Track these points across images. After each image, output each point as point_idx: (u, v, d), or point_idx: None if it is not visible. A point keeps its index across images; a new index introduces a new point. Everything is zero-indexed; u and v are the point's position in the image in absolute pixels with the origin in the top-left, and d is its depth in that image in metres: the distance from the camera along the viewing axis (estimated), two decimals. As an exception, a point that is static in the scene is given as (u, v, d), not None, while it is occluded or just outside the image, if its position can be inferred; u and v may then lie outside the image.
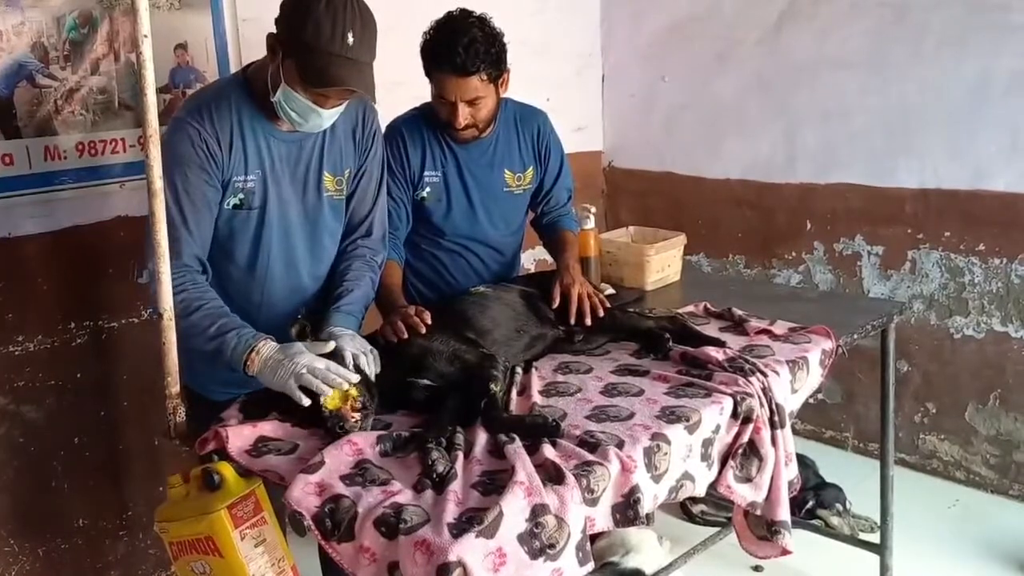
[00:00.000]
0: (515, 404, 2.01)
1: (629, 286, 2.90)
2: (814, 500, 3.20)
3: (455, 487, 1.65)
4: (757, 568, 3.03)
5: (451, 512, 1.57)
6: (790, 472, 2.12)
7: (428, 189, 2.47)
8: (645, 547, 2.75)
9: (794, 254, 3.86)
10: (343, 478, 1.71)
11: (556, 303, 2.32)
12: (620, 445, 1.80)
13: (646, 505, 1.76)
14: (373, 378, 1.97)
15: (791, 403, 2.18)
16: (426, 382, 2.01)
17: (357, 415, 1.85)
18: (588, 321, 2.30)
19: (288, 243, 2.17)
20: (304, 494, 1.66)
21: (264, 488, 1.85)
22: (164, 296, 1.89)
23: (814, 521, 3.18)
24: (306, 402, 1.84)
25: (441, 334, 2.07)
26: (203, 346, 1.95)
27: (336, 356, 1.95)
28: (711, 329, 2.45)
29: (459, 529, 1.52)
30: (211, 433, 1.89)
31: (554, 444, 1.80)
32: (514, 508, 1.57)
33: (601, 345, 2.38)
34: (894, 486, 2.79)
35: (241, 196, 2.08)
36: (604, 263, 2.92)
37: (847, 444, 3.88)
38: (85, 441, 2.83)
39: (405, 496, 1.64)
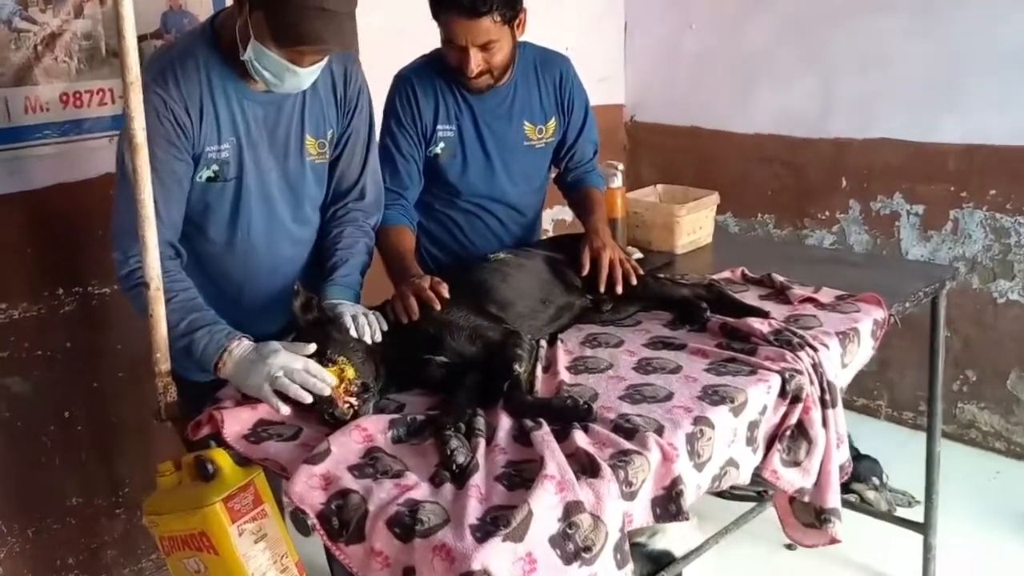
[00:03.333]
0: (540, 382, 1.82)
1: (657, 249, 2.69)
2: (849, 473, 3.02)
3: (477, 480, 1.47)
4: (791, 546, 2.87)
5: (474, 511, 1.39)
6: (841, 455, 1.93)
7: (442, 144, 2.26)
8: (674, 526, 2.57)
9: (827, 214, 3.64)
10: (351, 469, 1.52)
11: (585, 270, 2.11)
12: (660, 431, 1.61)
13: (689, 497, 1.58)
14: (372, 339, 1.79)
15: (841, 379, 1.99)
16: (443, 359, 1.81)
17: (353, 399, 1.67)
18: (619, 290, 2.10)
19: (269, 215, 1.96)
20: (308, 488, 1.47)
21: (264, 476, 1.67)
22: (151, 265, 1.70)
23: (849, 496, 3.00)
24: (284, 410, 1.66)
25: (459, 308, 1.87)
26: (173, 342, 1.75)
27: (336, 322, 1.79)
28: (750, 297, 2.25)
29: (483, 532, 1.34)
30: (205, 416, 1.70)
31: (586, 429, 1.61)
32: (544, 506, 1.39)
33: (631, 315, 2.18)
34: (940, 463, 2.60)
35: (215, 168, 1.87)
36: (630, 225, 2.71)
37: (880, 413, 3.69)
38: (77, 415, 2.66)
39: (421, 491, 1.45)
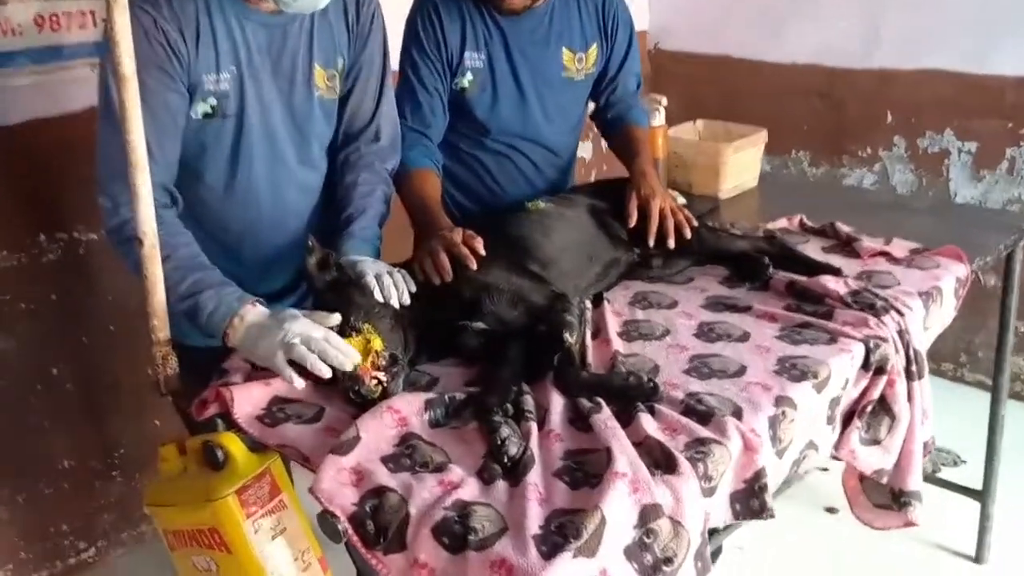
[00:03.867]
0: (591, 352, 1.60)
1: (699, 194, 2.46)
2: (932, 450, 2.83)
3: (534, 477, 1.26)
4: (831, 510, 2.70)
5: (535, 516, 1.18)
6: (926, 432, 1.73)
7: (469, 76, 2.00)
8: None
9: (869, 151, 3.39)
10: (386, 460, 1.31)
11: (633, 221, 1.88)
12: (738, 414, 1.40)
13: (772, 490, 1.38)
14: (399, 303, 1.57)
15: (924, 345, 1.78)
16: (481, 326, 1.59)
17: (381, 375, 1.44)
18: (671, 243, 1.87)
19: (273, 156, 1.71)
20: (337, 485, 1.26)
21: (282, 462, 1.47)
22: (143, 218, 1.46)
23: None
24: (299, 384, 1.44)
25: (497, 267, 1.64)
26: (173, 306, 1.53)
27: (358, 283, 1.58)
28: (811, 249, 2.03)
29: (550, 545, 1.13)
30: (211, 393, 1.48)
31: (652, 411, 1.40)
32: (618, 511, 1.18)
33: (682, 270, 1.96)
34: (1004, 423, 2.41)
35: (213, 102, 1.61)
36: (669, 166, 2.47)
37: (918, 364, 3.50)
38: (65, 372, 2.45)
39: (470, 490, 1.24)
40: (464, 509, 1.20)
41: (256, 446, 1.43)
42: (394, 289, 1.59)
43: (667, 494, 1.23)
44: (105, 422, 2.56)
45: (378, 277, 1.59)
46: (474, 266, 1.61)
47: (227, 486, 1.39)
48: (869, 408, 1.64)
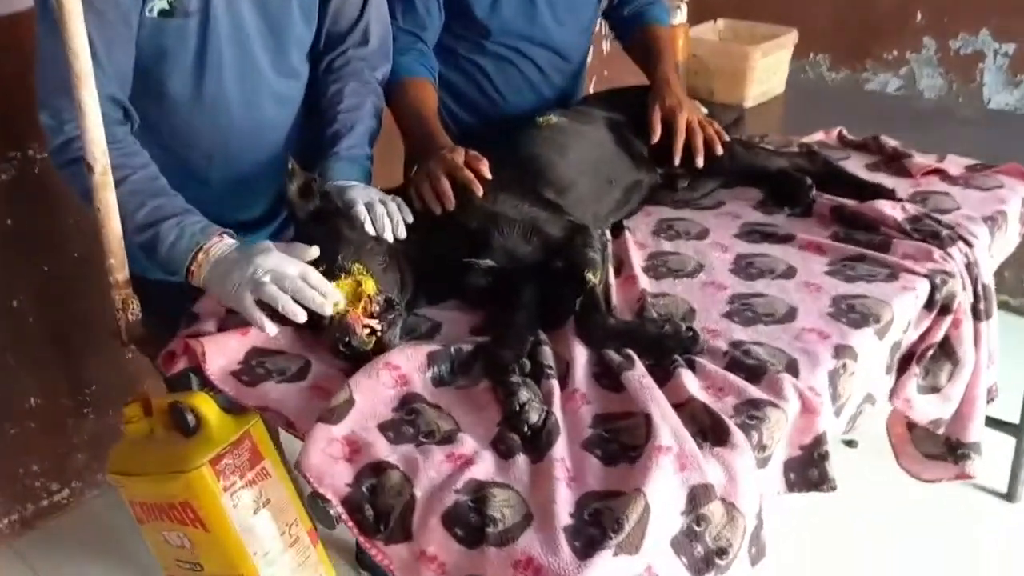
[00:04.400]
0: (616, 292, 1.40)
1: (721, 102, 2.21)
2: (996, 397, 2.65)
3: (560, 450, 1.06)
4: (850, 443, 2.55)
5: (564, 501, 0.99)
6: (990, 376, 1.55)
7: (467, -33, 1.73)
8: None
9: (895, 53, 3.12)
10: (384, 428, 1.12)
11: (657, 136, 1.65)
12: (793, 368, 1.21)
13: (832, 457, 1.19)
14: (395, 236, 1.36)
15: (987, 278, 1.58)
16: (489, 263, 1.38)
17: (375, 323, 1.23)
18: (700, 162, 1.64)
19: (244, 61, 1.45)
20: (328, 460, 1.07)
21: (263, 424, 1.27)
22: (92, 138, 1.23)
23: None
24: (269, 329, 1.23)
25: (507, 193, 1.42)
26: (129, 237, 1.31)
27: (347, 213, 1.36)
28: (854, 166, 1.81)
29: (585, 540, 0.95)
30: (179, 345, 1.28)
31: (692, 366, 1.20)
32: (664, 495, 0.99)
33: (710, 193, 1.74)
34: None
35: None
36: (688, 71, 2.22)
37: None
38: (26, 305, 2.22)
39: (485, 466, 1.05)
40: (479, 492, 1.01)
41: (233, 406, 1.23)
42: (388, 220, 1.37)
43: (718, 471, 1.04)
44: (73, 356, 2.35)
45: (369, 206, 1.37)
46: (480, 192, 1.39)
47: (200, 454, 1.20)
48: (930, 352, 1.45)
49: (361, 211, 1.36)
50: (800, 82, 3.11)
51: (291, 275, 1.21)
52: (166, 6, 1.36)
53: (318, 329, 1.25)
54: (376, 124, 1.60)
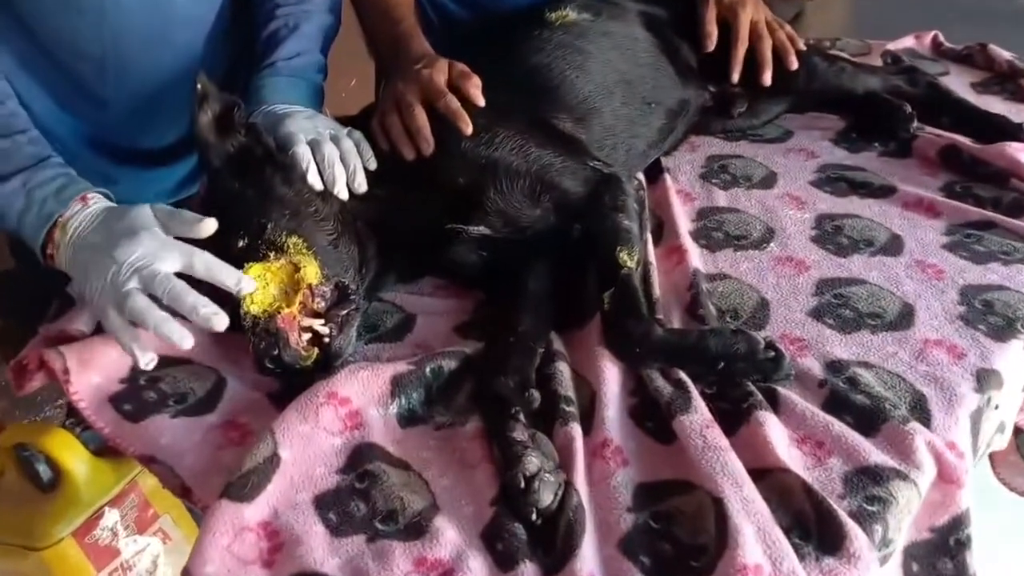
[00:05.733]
0: (655, 273, 1.00)
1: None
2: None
3: (587, 560, 0.70)
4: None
5: (595, 659, 0.64)
6: None
7: None
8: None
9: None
10: (324, 505, 0.75)
11: (712, 42, 1.22)
12: (922, 410, 0.83)
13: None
14: (351, 191, 0.96)
15: None
16: (482, 230, 0.98)
17: (318, 324, 0.85)
18: (767, 79, 1.22)
19: None
20: (233, 566, 0.70)
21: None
22: None
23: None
24: (143, 361, 0.83)
25: (508, 127, 1.00)
26: None
27: (279, 159, 0.96)
28: (958, 86, 1.38)
29: None
30: (32, 357, 0.88)
31: (773, 399, 0.82)
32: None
33: (774, 119, 1.33)
34: None
35: None
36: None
37: None
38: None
39: (473, 583, 0.69)
40: (464, 634, 0.65)
41: (108, 448, 0.86)
42: (341, 167, 0.97)
43: (829, 596, 0.68)
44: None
45: (315, 145, 0.97)
46: (468, 129, 0.98)
47: (60, 522, 0.85)
48: (1069, 353, 1.07)
49: (302, 153, 0.96)
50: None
51: (164, 272, 0.82)
52: None
53: (235, 324, 0.86)
54: (332, 21, 1.18)
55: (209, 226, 0.84)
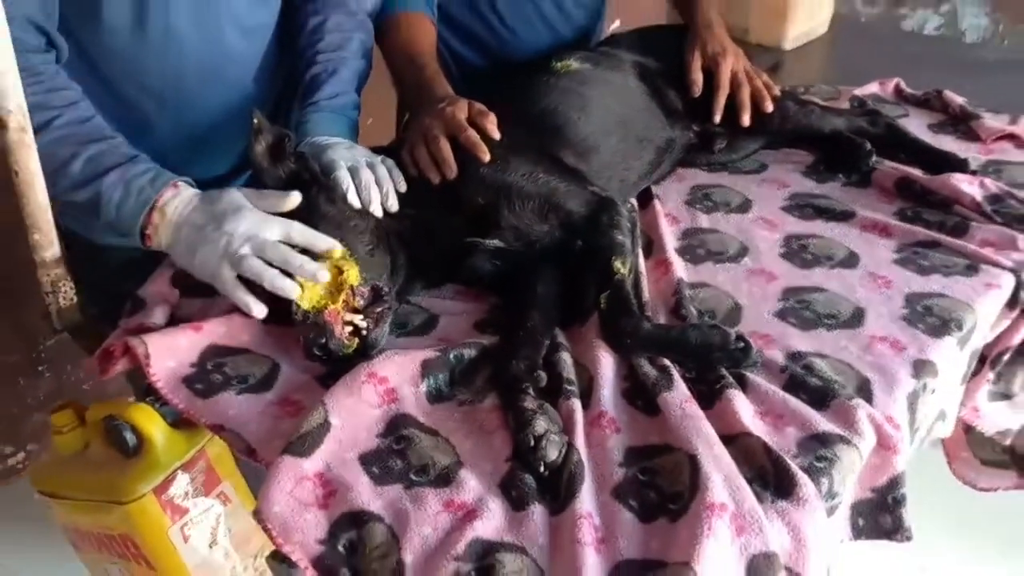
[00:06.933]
0: (645, 281, 1.17)
1: (757, 42, 1.96)
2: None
3: (586, 501, 0.85)
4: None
5: (593, 571, 0.79)
6: (1072, 384, 1.34)
7: None
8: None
9: (937, -12, 2.86)
10: (368, 461, 0.91)
11: (698, 88, 1.40)
12: (866, 390, 0.99)
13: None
14: (384, 209, 1.13)
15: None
16: (497, 243, 1.15)
17: (359, 319, 1.02)
18: (746, 120, 1.40)
19: None
20: (296, 507, 0.85)
21: (222, 436, 1.05)
22: (6, 84, 0.98)
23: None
24: (256, 311, 1.02)
25: (520, 158, 1.17)
26: (65, 195, 1.09)
27: (323, 182, 1.12)
28: (915, 127, 1.56)
29: (624, 639, 0.74)
30: (117, 345, 1.04)
31: (742, 382, 0.99)
32: (717, 566, 0.79)
33: (751, 154, 1.50)
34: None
35: None
36: (720, 6, 1.94)
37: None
38: (-32, 253, 1.98)
39: (492, 521, 0.84)
40: (485, 558, 0.81)
41: (182, 420, 1.02)
42: (376, 189, 1.14)
43: (783, 533, 0.84)
44: (22, 307, 2.12)
45: (354, 171, 1.14)
46: (486, 158, 1.15)
47: (142, 481, 0.99)
48: (1006, 356, 1.24)
49: (343, 177, 1.13)
50: (840, 21, 2.84)
51: (272, 240, 1.00)
52: None
53: (286, 314, 1.03)
54: (366, 66, 1.35)
55: (294, 199, 1.04)
